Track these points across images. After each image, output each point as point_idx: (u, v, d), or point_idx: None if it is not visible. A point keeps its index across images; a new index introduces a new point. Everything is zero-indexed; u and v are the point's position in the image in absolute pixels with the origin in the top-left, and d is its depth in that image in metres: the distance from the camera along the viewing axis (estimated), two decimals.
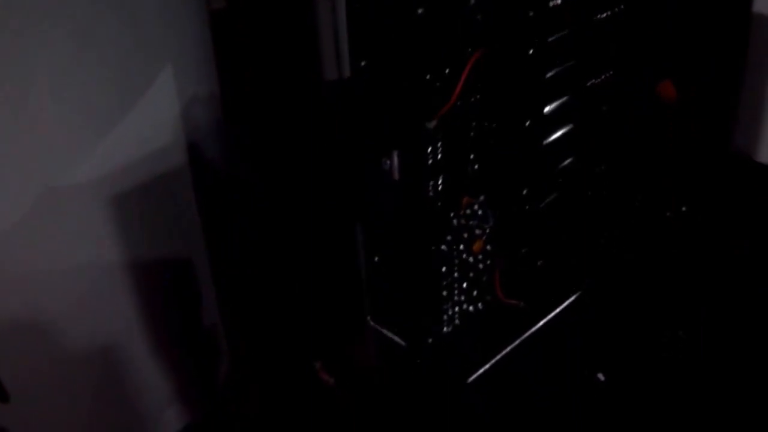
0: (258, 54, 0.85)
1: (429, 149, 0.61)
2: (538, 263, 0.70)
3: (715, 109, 0.85)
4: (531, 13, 0.60)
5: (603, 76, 0.68)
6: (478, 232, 0.67)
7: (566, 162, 0.70)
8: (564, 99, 0.67)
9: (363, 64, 0.61)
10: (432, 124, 0.60)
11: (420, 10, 0.56)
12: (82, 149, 0.80)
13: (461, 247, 0.67)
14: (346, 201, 0.71)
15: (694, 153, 0.85)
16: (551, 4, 0.61)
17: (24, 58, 0.72)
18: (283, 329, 0.90)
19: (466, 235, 0.67)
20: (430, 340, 0.68)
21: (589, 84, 0.68)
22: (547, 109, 0.66)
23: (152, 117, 0.84)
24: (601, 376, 0.72)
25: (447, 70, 0.58)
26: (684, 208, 0.80)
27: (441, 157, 0.62)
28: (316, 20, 0.90)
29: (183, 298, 0.97)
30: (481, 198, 0.66)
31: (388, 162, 0.63)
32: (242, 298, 0.96)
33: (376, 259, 0.69)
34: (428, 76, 0.58)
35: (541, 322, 0.72)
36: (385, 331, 0.71)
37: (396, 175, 0.63)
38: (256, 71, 0.86)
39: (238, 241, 0.93)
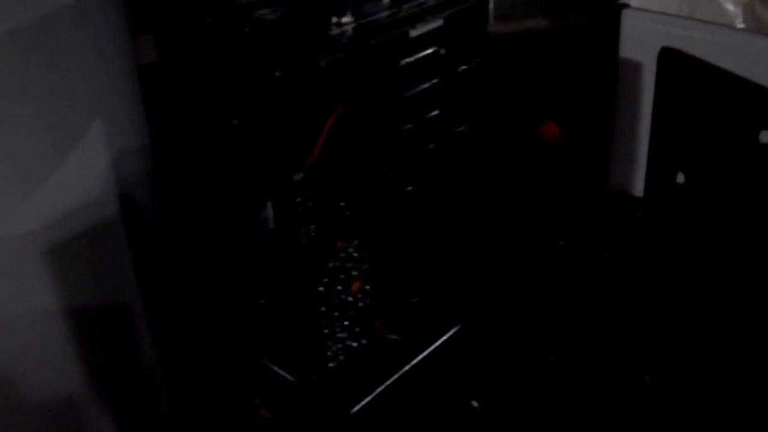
0: (184, 106, 0.88)
1: (299, 199, 0.66)
2: (413, 300, 0.75)
3: (593, 148, 0.91)
4: (383, 71, 0.65)
5: (465, 125, 0.73)
6: (354, 273, 0.71)
7: (438, 202, 0.75)
8: (431, 146, 0.72)
9: (234, 122, 0.66)
10: (299, 176, 0.65)
11: (277, 73, 0.61)
12: (15, 202, 0.82)
13: (340, 288, 0.71)
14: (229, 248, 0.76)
15: (575, 190, 0.91)
16: (403, 62, 0.66)
17: None
18: (221, 368, 0.93)
19: (343, 277, 0.71)
20: (315, 376, 0.72)
21: (457, 131, 0.73)
22: (413, 157, 0.71)
23: (84, 169, 0.86)
24: (474, 404, 0.77)
25: (310, 127, 0.63)
26: (561, 243, 0.85)
27: (311, 205, 0.66)
28: None
29: (120, 344, 0.99)
30: (355, 241, 0.70)
31: (265, 211, 0.68)
32: (178, 340, 0.99)
33: (262, 302, 0.74)
34: (292, 133, 0.63)
35: (421, 355, 0.77)
36: (276, 369, 0.75)
37: (270, 224, 0.68)
38: (183, 123, 0.89)
39: (170, 286, 0.96)
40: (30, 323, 0.86)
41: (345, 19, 0.62)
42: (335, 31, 0.61)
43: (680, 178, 0.65)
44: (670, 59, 0.63)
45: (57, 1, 0.79)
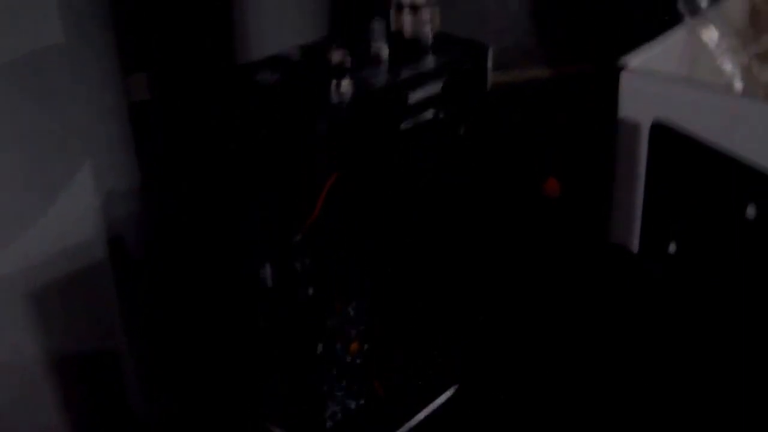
0: (179, 148, 0.88)
1: (297, 260, 0.66)
2: (412, 359, 0.75)
3: (593, 204, 0.91)
4: (381, 138, 0.66)
5: (465, 186, 0.74)
6: (353, 333, 0.72)
7: (437, 261, 0.75)
8: (430, 207, 0.72)
9: (236, 183, 0.67)
10: (297, 238, 0.65)
11: (275, 137, 0.62)
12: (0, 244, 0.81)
13: (338, 347, 0.71)
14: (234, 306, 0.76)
15: (575, 245, 0.91)
16: (402, 126, 0.66)
17: None
18: (213, 424, 0.92)
19: (341, 337, 0.71)
20: None
21: (456, 192, 0.74)
22: (412, 221, 0.72)
23: (72, 211, 0.85)
24: None
25: (309, 190, 0.64)
26: (565, 299, 0.86)
27: (310, 266, 0.67)
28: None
29: (106, 393, 0.99)
30: (354, 302, 0.70)
31: (264, 271, 0.68)
32: (168, 392, 0.98)
33: (258, 359, 0.74)
34: (291, 197, 0.64)
35: (420, 415, 0.77)
36: (273, 427, 0.75)
37: (269, 283, 0.68)
38: (177, 165, 0.89)
39: (160, 336, 0.96)
40: (12, 368, 0.85)
41: (344, 85, 0.62)
42: (334, 97, 0.62)
43: (672, 247, 0.66)
44: (661, 134, 0.64)
45: (47, 39, 0.79)
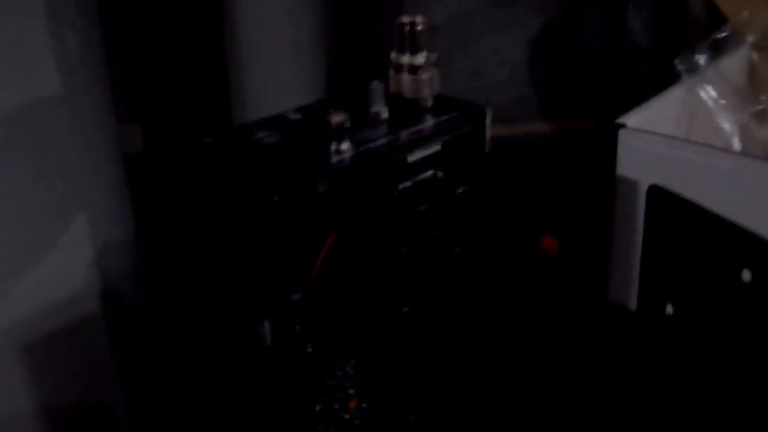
0: (174, 199, 0.88)
1: (296, 318, 0.66)
2: (411, 417, 0.75)
3: (591, 261, 0.91)
4: (381, 196, 0.66)
5: (463, 245, 0.74)
6: (351, 391, 0.72)
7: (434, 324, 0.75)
8: (428, 265, 0.73)
9: (234, 241, 0.67)
10: (296, 296, 0.66)
11: (276, 197, 0.62)
12: None
13: (337, 406, 0.71)
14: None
15: (573, 303, 0.91)
16: (401, 186, 0.67)
17: None
18: None
19: (340, 395, 0.71)
20: None
21: (454, 251, 0.74)
22: (411, 279, 0.72)
23: (65, 263, 0.85)
24: None
25: (308, 249, 0.64)
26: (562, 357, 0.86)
27: (309, 324, 0.67)
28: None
29: None
30: (353, 360, 0.70)
31: (263, 329, 0.68)
32: None
33: (259, 417, 0.74)
34: (290, 256, 0.64)
35: None
36: None
37: (268, 341, 0.68)
38: (172, 218, 0.89)
39: (153, 387, 0.95)
40: (3, 423, 0.85)
41: (344, 146, 0.63)
42: (334, 158, 0.63)
43: (669, 309, 0.66)
44: (658, 197, 0.65)
45: (43, 90, 0.80)
